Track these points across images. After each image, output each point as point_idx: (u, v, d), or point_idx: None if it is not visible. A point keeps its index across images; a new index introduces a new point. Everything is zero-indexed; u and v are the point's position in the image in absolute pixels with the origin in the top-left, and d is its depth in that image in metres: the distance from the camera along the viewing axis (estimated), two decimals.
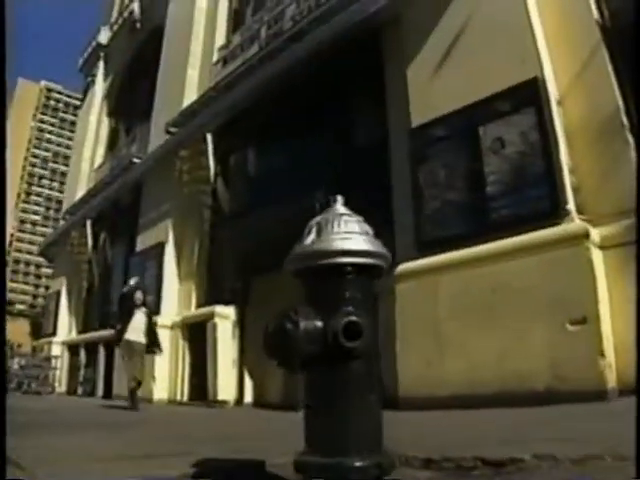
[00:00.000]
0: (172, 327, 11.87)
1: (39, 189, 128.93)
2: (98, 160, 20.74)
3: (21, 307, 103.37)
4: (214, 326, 10.44)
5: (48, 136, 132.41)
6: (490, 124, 6.78)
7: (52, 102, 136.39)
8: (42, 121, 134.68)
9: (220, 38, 14.14)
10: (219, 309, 10.59)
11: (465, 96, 7.04)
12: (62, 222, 21.90)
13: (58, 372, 17.65)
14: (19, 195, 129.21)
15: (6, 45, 3.43)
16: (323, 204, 7.96)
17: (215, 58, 13.88)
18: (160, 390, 11.53)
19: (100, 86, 22.15)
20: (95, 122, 21.69)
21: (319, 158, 9.87)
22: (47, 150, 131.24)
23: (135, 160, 14.99)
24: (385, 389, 7.10)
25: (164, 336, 11.69)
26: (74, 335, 18.22)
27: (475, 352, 6.04)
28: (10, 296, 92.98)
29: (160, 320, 11.82)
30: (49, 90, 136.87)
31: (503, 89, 6.71)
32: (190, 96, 13.50)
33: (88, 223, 17.69)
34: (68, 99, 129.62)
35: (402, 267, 6.97)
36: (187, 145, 12.75)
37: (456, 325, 6.33)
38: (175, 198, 12.86)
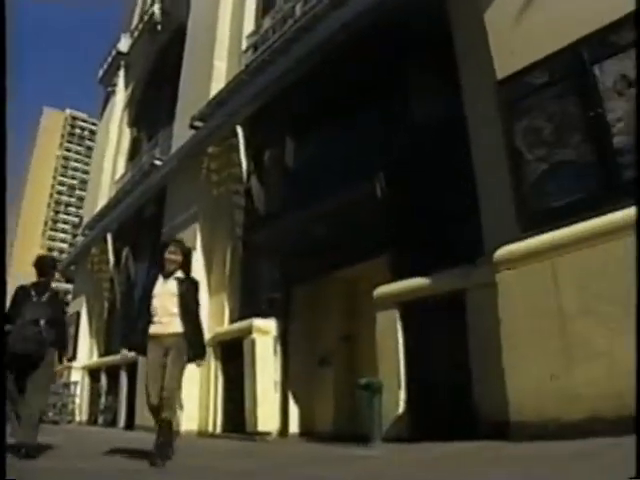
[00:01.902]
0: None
1: (65, 216, 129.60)
2: (119, 172, 19.53)
3: None
4: (252, 343, 8.93)
5: (74, 164, 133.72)
6: (608, 60, 5.14)
7: (77, 130, 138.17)
8: (68, 149, 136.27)
9: (249, 25, 12.82)
10: (258, 323, 9.10)
11: (568, 31, 5.40)
12: (81, 238, 20.61)
13: (78, 400, 16.18)
14: (46, 223, 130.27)
15: (6, 45, 3.73)
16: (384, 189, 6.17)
17: (244, 46, 12.50)
18: (189, 420, 10.09)
19: (121, 95, 21.30)
20: (116, 132, 20.65)
21: (371, 143, 8.39)
22: (73, 178, 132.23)
23: (157, 162, 13.62)
24: (484, 414, 5.61)
25: None
26: (95, 359, 16.76)
27: (620, 356, 4.30)
28: None
29: None
30: (74, 118, 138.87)
31: (622, 17, 5.05)
32: (217, 89, 12.06)
33: (109, 237, 16.35)
34: (93, 127, 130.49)
35: (504, 251, 5.33)
36: (215, 140, 11.45)
37: (589, 321, 4.61)
38: (203, 200, 11.52)
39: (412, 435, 6.29)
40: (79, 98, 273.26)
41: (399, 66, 8.16)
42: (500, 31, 6.18)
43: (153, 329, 5.28)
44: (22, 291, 5.93)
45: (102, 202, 18.72)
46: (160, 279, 5.46)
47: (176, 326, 5.29)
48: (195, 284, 5.71)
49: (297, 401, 9.18)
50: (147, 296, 5.42)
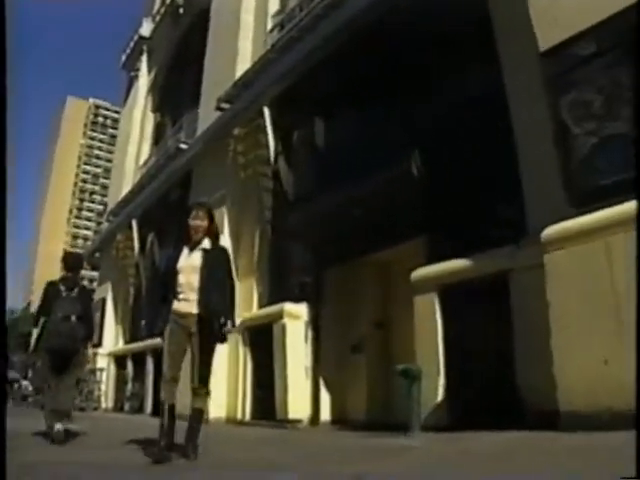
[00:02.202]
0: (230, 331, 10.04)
1: (90, 204, 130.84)
2: (143, 157, 19.36)
3: None
4: (283, 328, 8.68)
5: (97, 152, 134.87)
6: None
7: (100, 119, 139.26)
8: (92, 138, 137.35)
9: (274, 4, 12.53)
10: (289, 307, 8.84)
11: None
12: (106, 224, 20.51)
13: (103, 386, 16.12)
14: (71, 211, 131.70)
15: (6, 45, 3.72)
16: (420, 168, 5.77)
17: (270, 25, 12.17)
18: (217, 407, 9.81)
19: (144, 80, 21.13)
20: (139, 118, 20.50)
21: (405, 121, 8.01)
22: (97, 166, 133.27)
23: (182, 146, 13.37)
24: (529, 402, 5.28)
25: None
26: (121, 345, 16.67)
27: None
28: None
29: None
30: (97, 107, 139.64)
31: None
32: (243, 70, 11.74)
33: (134, 223, 16.19)
34: (116, 115, 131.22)
35: (553, 230, 4.97)
36: (242, 122, 11.20)
37: None
38: (230, 183, 11.28)
39: (451, 424, 6.01)
40: (102, 87, 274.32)
41: (434, 41, 7.76)
42: (542, 0, 5.80)
43: (177, 305, 4.59)
44: (52, 287, 6.35)
45: (126, 188, 18.57)
46: (185, 251, 4.68)
47: None
48: (224, 252, 4.91)
49: (329, 388, 8.94)
50: (171, 274, 4.68)
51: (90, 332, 6.51)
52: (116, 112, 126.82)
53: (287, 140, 10.56)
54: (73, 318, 6.06)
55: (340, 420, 8.72)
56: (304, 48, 9.58)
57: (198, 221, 4.66)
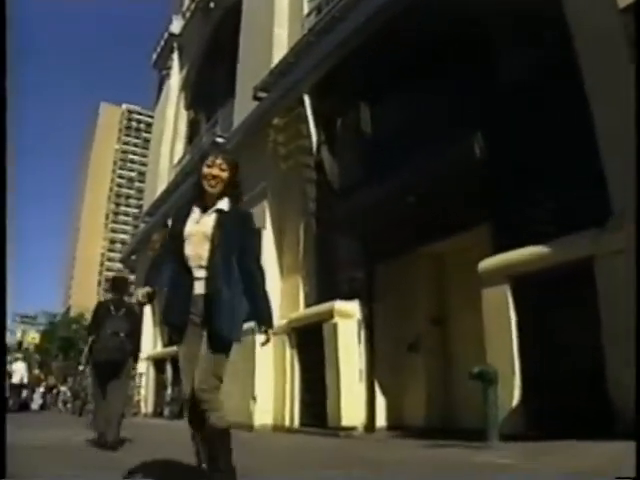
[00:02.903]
0: (275, 333, 9.44)
1: (127, 209, 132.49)
2: (177, 156, 18.96)
3: None
4: (334, 328, 8.06)
5: (132, 157, 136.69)
6: None
7: (134, 123, 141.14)
8: (126, 142, 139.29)
9: None
10: (340, 305, 8.21)
11: None
12: (142, 225, 20.16)
13: (143, 391, 15.71)
14: (107, 216, 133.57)
15: (6, 45, 3.86)
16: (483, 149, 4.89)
17: (306, 10, 11.57)
18: (262, 413, 9.37)
19: (176, 78, 20.77)
20: (172, 116, 20.14)
21: (463, 101, 7.28)
22: (132, 170, 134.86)
23: (219, 140, 12.82)
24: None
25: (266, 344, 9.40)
26: (159, 349, 16.24)
27: None
28: None
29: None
30: (130, 112, 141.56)
31: None
32: (280, 57, 11.15)
33: (169, 223, 15.67)
34: (149, 119, 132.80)
35: None
36: (281, 111, 10.63)
37: None
38: (271, 176, 10.69)
39: (530, 431, 5.34)
40: (134, 92, 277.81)
41: (495, 12, 7.03)
42: None
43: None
44: (102, 306, 7.06)
45: (161, 188, 18.16)
46: (195, 212, 3.43)
47: None
48: (248, 219, 3.57)
49: (384, 392, 8.33)
50: (175, 241, 3.42)
51: (137, 348, 7.17)
52: (149, 116, 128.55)
53: (330, 128, 9.96)
54: (122, 334, 6.64)
55: (396, 426, 8.11)
56: (346, 29, 8.94)
57: (216, 170, 3.37)
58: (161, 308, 3.59)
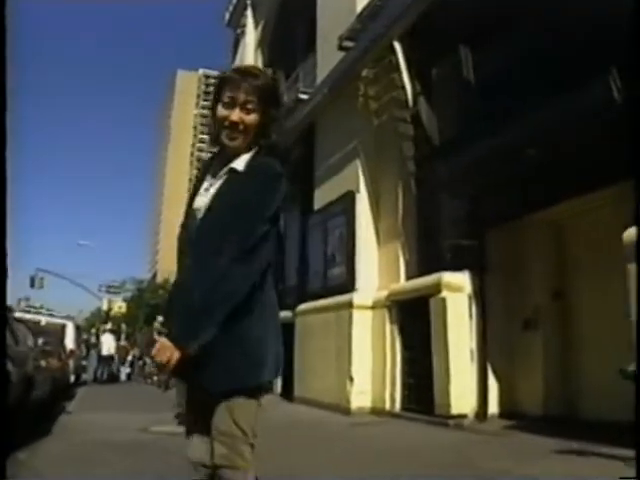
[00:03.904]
0: (374, 307, 8.70)
1: None
2: None
3: None
4: (443, 302, 7.20)
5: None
6: None
7: (211, 88, 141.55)
8: (204, 107, 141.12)
9: None
10: (448, 277, 7.33)
11: None
12: None
13: None
14: (190, 180, 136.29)
15: (6, 45, 3.64)
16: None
17: None
18: (360, 395, 8.64)
19: (251, 37, 19.99)
20: None
21: (594, 33, 5.99)
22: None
23: (303, 96, 11.97)
24: None
25: (364, 319, 8.67)
26: None
27: None
28: None
29: (356, 298, 8.76)
30: (207, 77, 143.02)
31: None
32: (365, 1, 10.11)
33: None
34: None
35: None
36: (370, 61, 9.68)
37: None
38: (362, 133, 9.76)
39: None
40: (210, 56, 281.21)
41: None
42: None
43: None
44: None
45: None
46: (208, 177, 2.17)
47: None
48: (255, 171, 2.03)
49: (496, 374, 7.43)
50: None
51: None
52: None
53: (426, 77, 8.95)
54: None
55: (510, 414, 7.21)
56: None
57: (237, 113, 2.03)
58: None
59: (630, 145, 5.54)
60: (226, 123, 2.04)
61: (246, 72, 2.12)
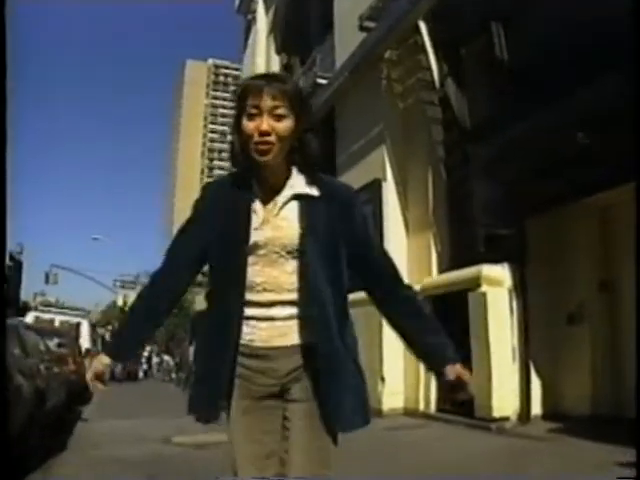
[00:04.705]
0: None
1: (221, 163, 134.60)
2: None
3: None
4: (482, 297, 6.80)
5: (222, 111, 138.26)
6: None
7: (221, 78, 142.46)
8: (215, 97, 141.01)
9: None
10: (488, 270, 6.92)
11: None
12: None
13: None
14: (202, 171, 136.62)
15: (6, 44, 3.93)
16: None
17: None
18: (392, 395, 8.32)
19: (262, 22, 19.56)
20: (263, 63, 19.03)
21: None
22: (223, 124, 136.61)
23: (321, 81, 11.50)
24: None
25: None
26: None
27: None
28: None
29: None
30: (217, 67, 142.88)
31: None
32: None
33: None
34: (236, 72, 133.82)
35: None
36: (394, 42, 9.30)
37: None
38: (387, 117, 9.37)
39: None
40: (219, 46, 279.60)
41: None
42: None
43: (248, 333, 1.73)
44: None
45: None
46: (255, 202, 1.76)
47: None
48: (352, 201, 1.87)
49: (539, 373, 7.02)
50: (222, 264, 1.78)
51: None
52: (236, 69, 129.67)
53: (454, 57, 8.54)
54: None
55: (553, 415, 6.79)
56: None
57: (265, 119, 1.67)
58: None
59: None
60: (255, 136, 1.68)
61: (269, 76, 1.83)
